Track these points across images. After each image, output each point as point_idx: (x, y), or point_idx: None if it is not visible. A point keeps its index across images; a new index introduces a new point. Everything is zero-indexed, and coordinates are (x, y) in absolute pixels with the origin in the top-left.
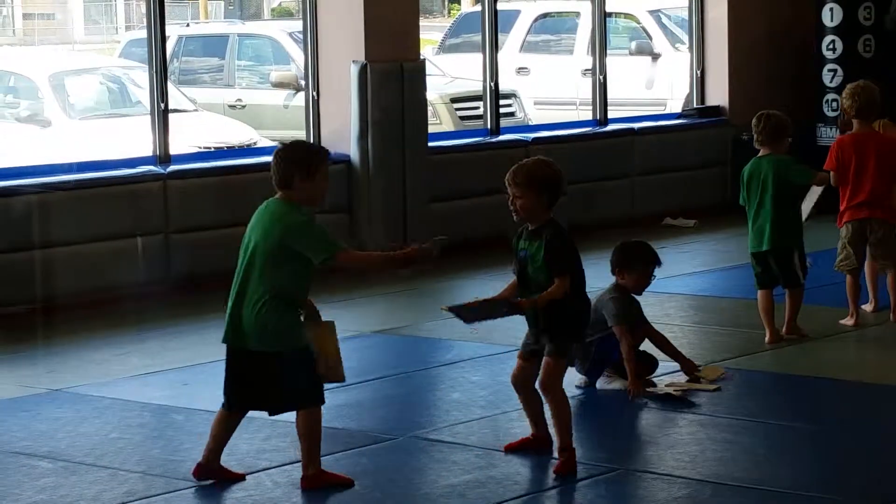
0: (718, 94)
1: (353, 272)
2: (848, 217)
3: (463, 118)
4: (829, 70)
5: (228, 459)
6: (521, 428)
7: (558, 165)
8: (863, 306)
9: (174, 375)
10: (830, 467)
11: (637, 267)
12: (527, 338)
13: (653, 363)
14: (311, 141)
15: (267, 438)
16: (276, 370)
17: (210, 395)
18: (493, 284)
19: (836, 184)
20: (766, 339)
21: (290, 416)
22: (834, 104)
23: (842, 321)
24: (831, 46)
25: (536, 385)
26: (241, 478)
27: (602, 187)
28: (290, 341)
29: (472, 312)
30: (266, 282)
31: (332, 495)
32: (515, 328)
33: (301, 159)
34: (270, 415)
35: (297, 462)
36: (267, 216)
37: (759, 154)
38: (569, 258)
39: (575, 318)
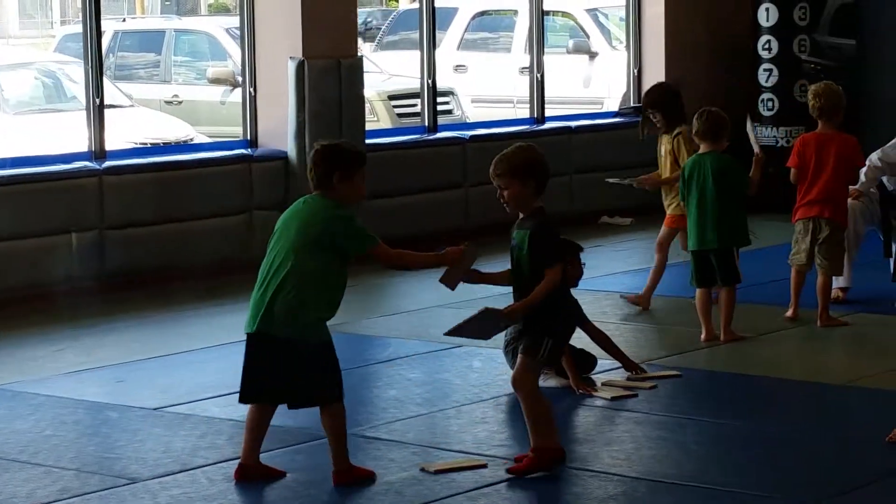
0: None
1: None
2: (801, 214)
3: (400, 115)
4: (765, 70)
5: (163, 457)
6: (458, 426)
7: (540, 149)
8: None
9: (109, 372)
10: (765, 464)
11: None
12: (506, 334)
13: (591, 361)
14: (250, 138)
15: (203, 436)
16: (301, 360)
17: (145, 393)
18: (429, 282)
19: (795, 181)
20: (702, 336)
21: (226, 413)
22: (769, 104)
23: (787, 314)
24: (767, 46)
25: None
26: (281, 475)
27: None
28: (317, 333)
29: (471, 329)
30: (300, 273)
31: (269, 492)
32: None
33: (341, 160)
34: (290, 408)
35: (233, 459)
36: (306, 210)
37: (700, 151)
38: (556, 248)
39: (551, 312)
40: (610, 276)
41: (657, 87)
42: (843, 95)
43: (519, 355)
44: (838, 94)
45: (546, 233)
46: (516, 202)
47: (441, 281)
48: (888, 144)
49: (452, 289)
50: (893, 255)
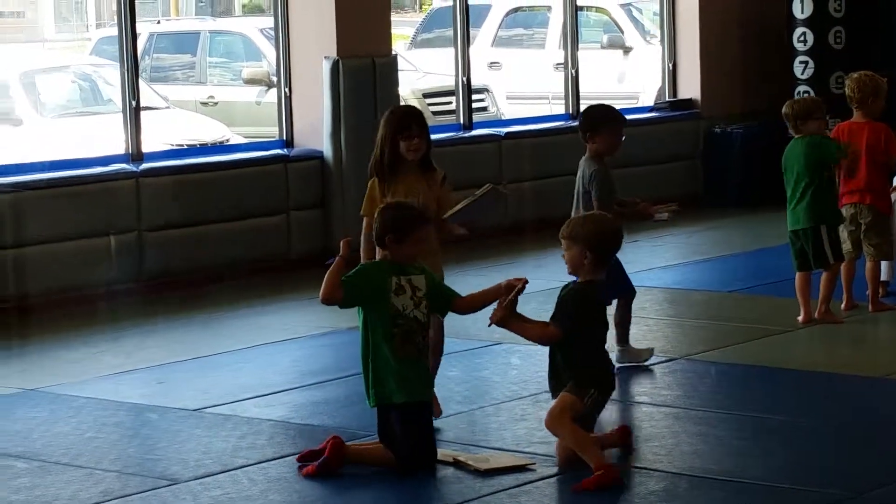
0: (690, 87)
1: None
2: (843, 202)
3: (435, 113)
4: (801, 62)
5: (203, 458)
6: (498, 423)
7: (614, 223)
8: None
9: (149, 374)
10: (804, 459)
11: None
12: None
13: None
14: (286, 138)
15: (243, 436)
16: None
17: (185, 394)
18: (469, 281)
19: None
20: (801, 318)
21: (266, 413)
22: (805, 96)
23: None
24: (802, 38)
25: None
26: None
27: (574, 182)
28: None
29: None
30: None
31: (310, 491)
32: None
33: (395, 224)
34: None
35: (273, 459)
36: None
37: (795, 137)
38: (573, 314)
39: (601, 366)
40: (648, 271)
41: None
42: (882, 84)
43: (561, 393)
44: (872, 83)
45: (574, 298)
46: (572, 266)
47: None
48: None
49: (489, 324)
50: None
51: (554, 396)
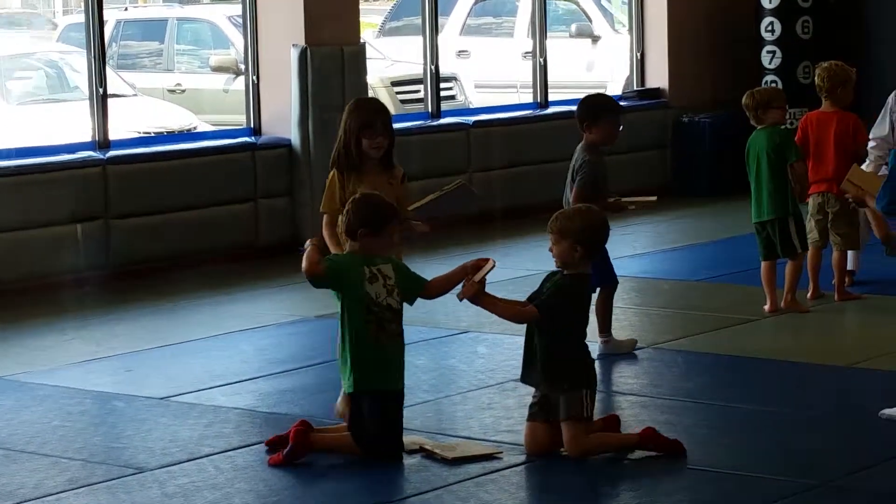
0: (659, 77)
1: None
2: (811, 191)
3: (404, 101)
4: (768, 52)
5: (170, 446)
6: (464, 412)
7: (601, 216)
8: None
9: (116, 362)
10: (772, 448)
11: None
12: (533, 397)
13: None
14: (253, 126)
15: (210, 425)
16: None
17: (152, 382)
18: (435, 268)
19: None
20: (767, 307)
21: (233, 402)
22: (773, 86)
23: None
24: (770, 28)
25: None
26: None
27: (543, 170)
28: None
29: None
30: None
31: (275, 480)
32: (461, 311)
33: (369, 216)
34: None
35: (240, 448)
36: None
37: (758, 127)
38: (556, 306)
39: (577, 367)
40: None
41: None
42: (850, 73)
43: (564, 425)
44: (841, 72)
45: (563, 290)
46: (562, 260)
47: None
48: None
49: (459, 299)
50: None
51: (526, 383)
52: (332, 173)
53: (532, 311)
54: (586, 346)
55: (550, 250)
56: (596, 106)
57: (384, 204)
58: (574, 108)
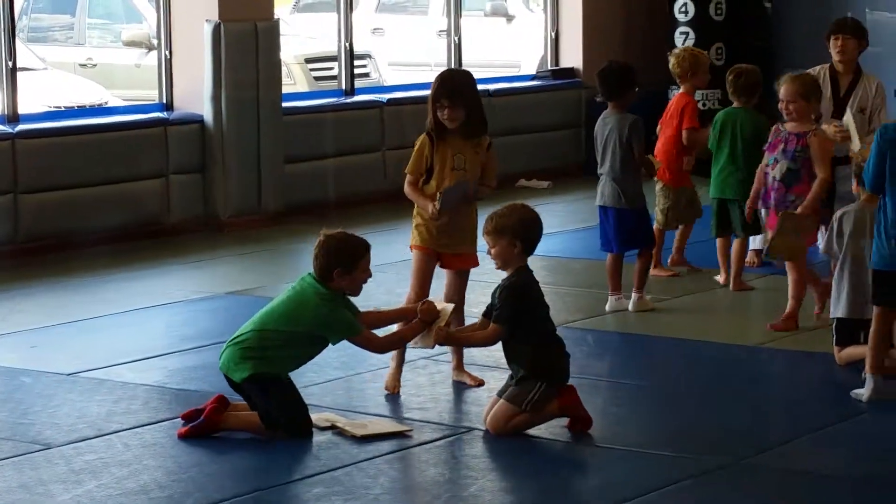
0: (573, 56)
1: None
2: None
3: (317, 79)
4: (681, 33)
5: (77, 423)
6: (375, 389)
7: (534, 210)
8: (715, 278)
9: (23, 338)
10: (683, 426)
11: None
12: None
13: None
14: (165, 102)
15: (118, 401)
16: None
17: (59, 358)
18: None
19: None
20: (720, 278)
21: (141, 378)
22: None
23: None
24: (683, 9)
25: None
26: None
27: None
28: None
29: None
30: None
31: (185, 457)
32: (374, 289)
33: (343, 257)
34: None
35: (148, 424)
36: (297, 296)
37: (734, 105)
38: (511, 309)
39: (547, 367)
40: None
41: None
42: (702, 59)
43: (501, 402)
44: (691, 58)
45: (513, 292)
46: (502, 260)
47: (417, 345)
48: None
49: (432, 347)
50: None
51: (511, 380)
52: (422, 137)
53: (497, 330)
54: (559, 340)
55: (489, 253)
56: (632, 75)
57: (352, 240)
58: (486, 87)
